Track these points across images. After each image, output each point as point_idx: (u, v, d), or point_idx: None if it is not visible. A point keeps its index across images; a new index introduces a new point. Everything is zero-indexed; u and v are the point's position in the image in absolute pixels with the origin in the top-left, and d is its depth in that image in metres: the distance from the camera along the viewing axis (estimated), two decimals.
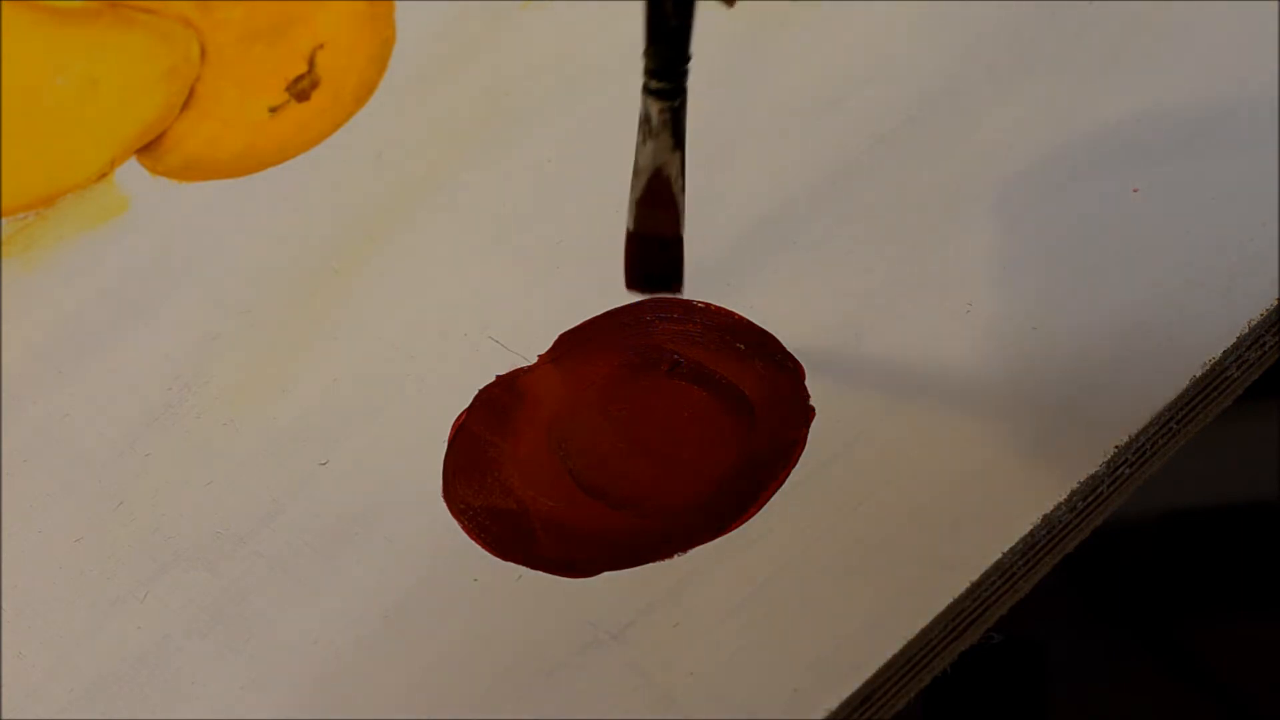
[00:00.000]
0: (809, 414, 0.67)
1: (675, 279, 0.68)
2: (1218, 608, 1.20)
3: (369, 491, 0.69)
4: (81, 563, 0.69)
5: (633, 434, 0.68)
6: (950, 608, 0.61)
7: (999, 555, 0.62)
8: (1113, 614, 1.20)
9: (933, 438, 0.65)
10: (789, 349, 0.69)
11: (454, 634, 0.64)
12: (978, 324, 0.68)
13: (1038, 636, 1.10)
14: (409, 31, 0.83)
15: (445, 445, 0.69)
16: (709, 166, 0.74)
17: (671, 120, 0.62)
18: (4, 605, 0.68)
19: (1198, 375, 0.65)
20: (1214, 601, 1.21)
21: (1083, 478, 0.63)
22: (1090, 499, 0.64)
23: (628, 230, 0.66)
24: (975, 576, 0.62)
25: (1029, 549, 0.63)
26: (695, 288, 0.71)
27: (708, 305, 0.70)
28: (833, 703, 0.60)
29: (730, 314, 0.70)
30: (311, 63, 0.82)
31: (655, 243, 0.67)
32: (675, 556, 0.64)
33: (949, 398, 0.66)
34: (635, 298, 0.69)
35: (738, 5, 0.60)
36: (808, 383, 0.68)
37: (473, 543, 0.66)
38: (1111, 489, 0.64)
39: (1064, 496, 0.63)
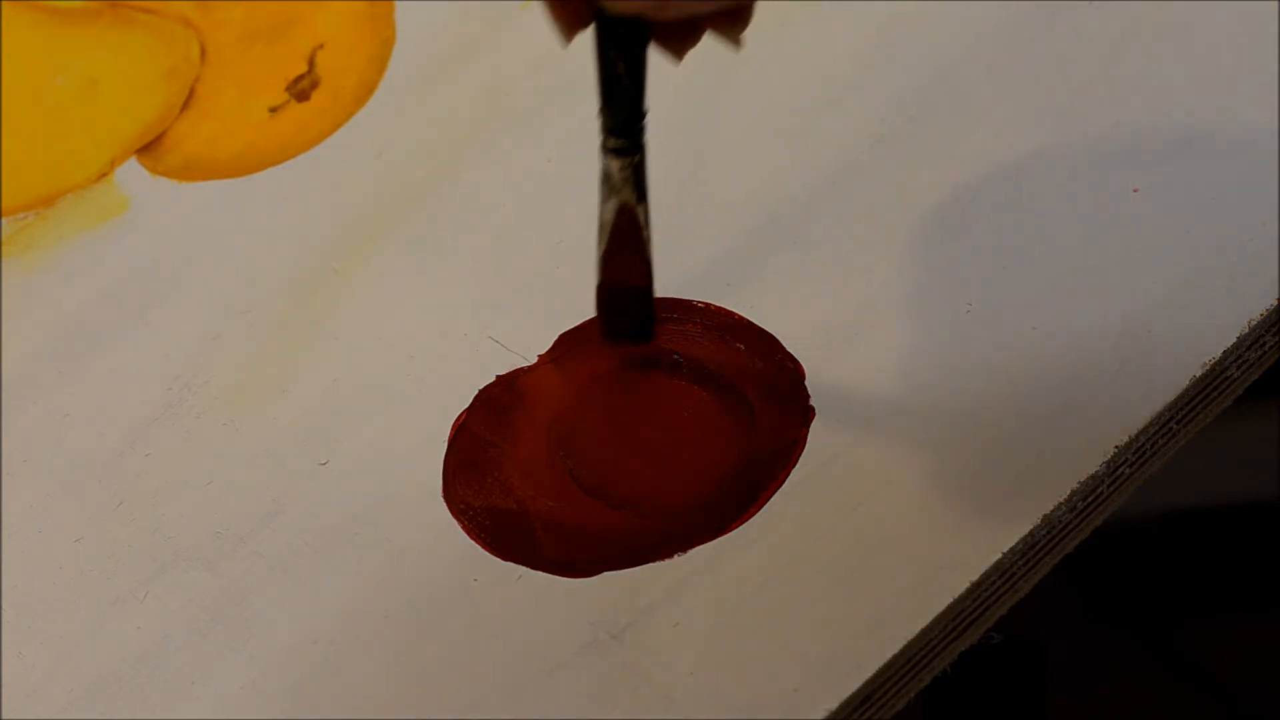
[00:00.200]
0: (809, 414, 0.67)
1: (646, 329, 0.67)
2: (1218, 608, 1.20)
3: (369, 491, 0.69)
4: (81, 563, 0.69)
5: (633, 434, 0.68)
6: (950, 608, 0.61)
7: (999, 555, 0.62)
8: (1113, 614, 1.20)
9: (933, 438, 0.65)
10: (789, 349, 0.69)
11: (454, 634, 0.64)
12: (978, 324, 0.68)
13: (1038, 636, 1.10)
14: (409, 31, 0.83)
15: (445, 445, 0.69)
16: (709, 167, 0.74)
17: (633, 175, 0.62)
18: (4, 605, 0.68)
19: (1198, 375, 0.65)
20: (1214, 601, 1.21)
21: (1083, 478, 0.63)
22: (1090, 499, 0.64)
23: (597, 283, 0.66)
24: (975, 576, 0.62)
25: (1029, 549, 0.63)
26: (695, 288, 0.71)
27: (708, 305, 0.70)
28: (833, 703, 0.60)
29: (730, 314, 0.70)
30: (311, 63, 0.82)
31: (625, 294, 0.66)
32: (675, 556, 0.64)
33: (949, 398, 0.66)
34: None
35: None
36: (808, 383, 0.68)
37: (473, 543, 0.66)
38: (1111, 489, 0.64)
39: (1064, 496, 0.63)
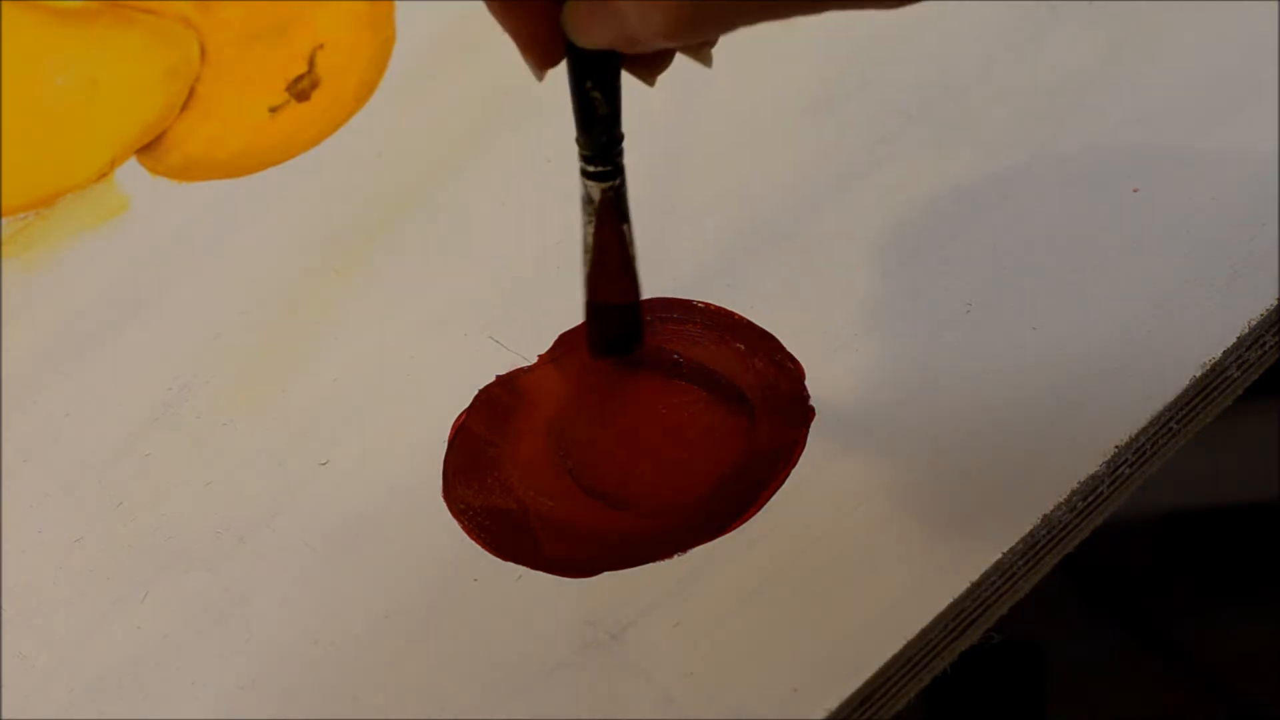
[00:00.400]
0: (809, 414, 0.67)
1: (632, 344, 0.68)
2: (1217, 607, 1.20)
3: (369, 491, 0.69)
4: (81, 563, 0.69)
5: (633, 434, 0.68)
6: (950, 608, 0.61)
7: (999, 555, 0.62)
8: (1113, 614, 1.20)
9: (933, 438, 0.65)
10: (789, 349, 0.69)
11: (454, 634, 0.64)
12: (978, 324, 0.68)
13: (1038, 636, 1.10)
14: (409, 31, 0.83)
15: (445, 445, 0.69)
16: (708, 167, 0.74)
17: (614, 198, 0.63)
18: (4, 605, 0.68)
19: (1198, 375, 0.65)
20: (1214, 601, 1.21)
21: (1083, 478, 0.63)
22: (1090, 499, 0.64)
23: (585, 301, 0.67)
24: (975, 576, 0.62)
25: (1029, 549, 0.63)
26: (696, 288, 0.71)
27: (708, 305, 0.70)
28: (833, 703, 0.60)
29: (730, 314, 0.70)
30: (311, 63, 0.82)
31: (614, 311, 0.68)
32: (675, 556, 0.64)
33: (949, 398, 0.66)
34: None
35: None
36: (808, 383, 0.68)
37: (473, 543, 0.66)
38: (1111, 489, 0.64)
39: (1064, 496, 0.63)
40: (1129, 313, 0.67)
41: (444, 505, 0.67)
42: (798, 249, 0.71)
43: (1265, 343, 0.66)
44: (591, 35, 0.58)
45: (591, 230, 0.65)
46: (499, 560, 0.66)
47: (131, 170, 0.81)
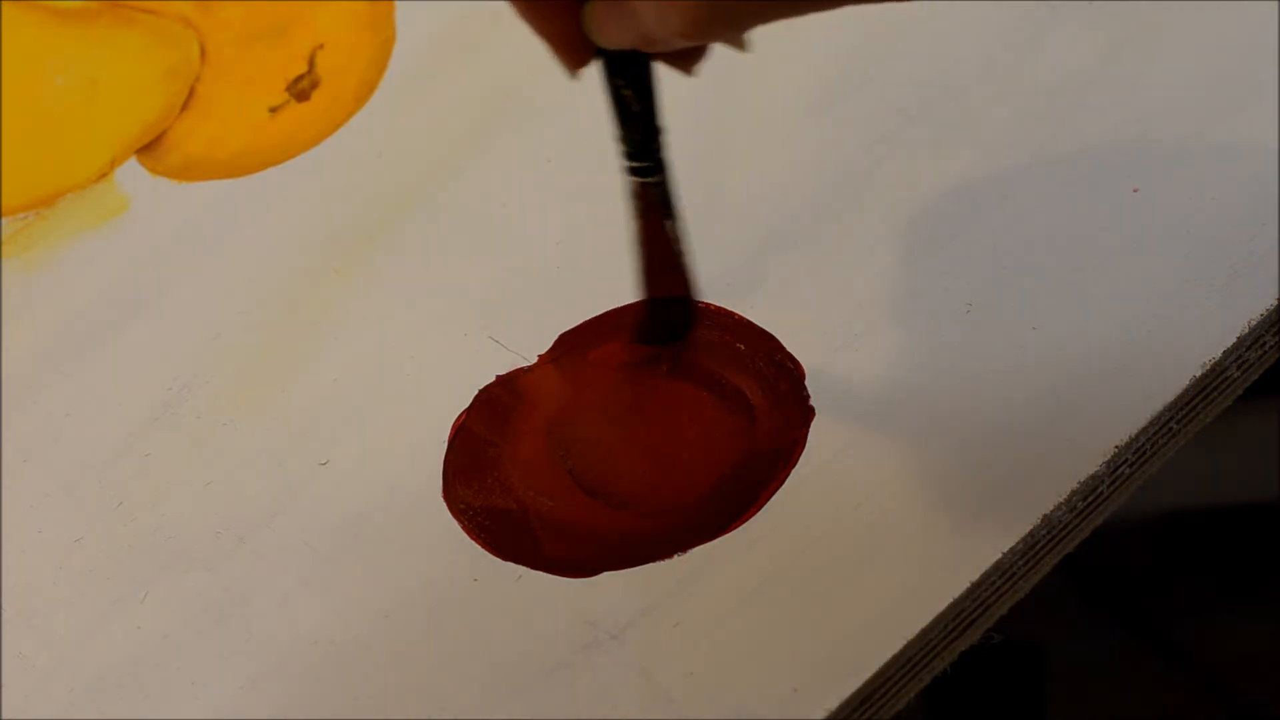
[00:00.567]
0: (809, 414, 0.67)
1: (684, 333, 0.69)
2: (1218, 608, 1.21)
3: (369, 491, 0.69)
4: (81, 563, 0.69)
5: (633, 434, 0.68)
6: (950, 608, 0.61)
7: (999, 555, 0.62)
8: (1113, 614, 1.20)
9: (932, 438, 0.65)
10: (789, 349, 0.69)
11: (454, 634, 0.64)
12: (978, 324, 0.68)
13: (1038, 636, 1.10)
14: (409, 31, 0.83)
15: (445, 445, 0.69)
16: (710, 167, 0.74)
17: (659, 194, 0.63)
18: (4, 605, 0.68)
19: (1198, 375, 0.65)
20: (1214, 601, 1.21)
21: (1083, 478, 0.63)
22: (1090, 499, 0.64)
23: (641, 297, 0.67)
24: (975, 576, 0.62)
25: (1029, 549, 0.63)
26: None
27: (709, 305, 0.70)
28: (833, 703, 0.60)
29: (730, 314, 0.70)
30: (311, 63, 0.82)
31: (668, 305, 0.68)
32: (675, 556, 0.64)
33: (949, 398, 0.66)
34: (634, 298, 0.69)
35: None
36: (808, 383, 0.68)
37: (473, 543, 0.66)
38: (1111, 489, 0.64)
39: (1064, 496, 0.63)
40: (1129, 313, 0.67)
41: (444, 505, 0.67)
42: (797, 249, 0.71)
43: (1265, 343, 0.66)
44: (610, 36, 0.58)
45: (639, 225, 0.64)
46: (499, 560, 0.66)
47: (131, 170, 0.81)
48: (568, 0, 0.58)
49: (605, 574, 0.65)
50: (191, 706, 0.65)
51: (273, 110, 0.82)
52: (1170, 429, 0.65)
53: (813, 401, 0.67)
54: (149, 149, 0.82)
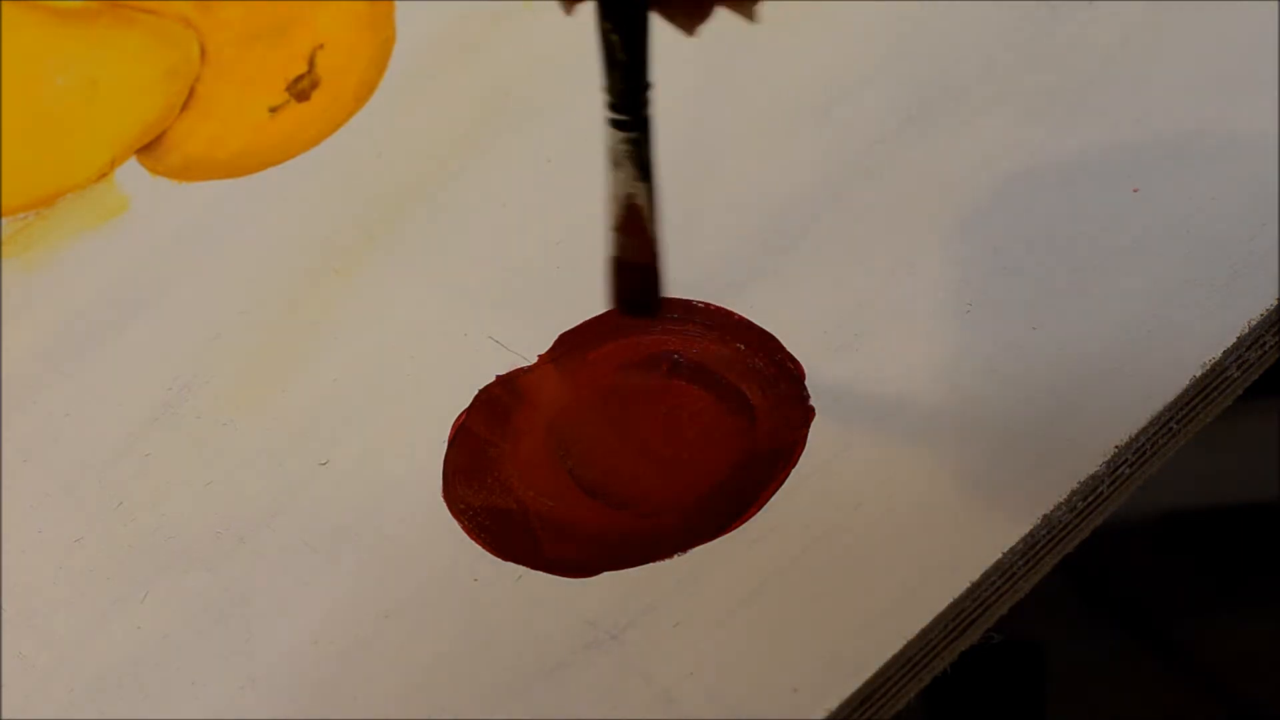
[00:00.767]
0: (809, 414, 0.67)
1: (654, 305, 0.67)
2: (1218, 608, 1.21)
3: (369, 491, 0.69)
4: (81, 563, 0.69)
5: (633, 434, 0.68)
6: (950, 608, 0.61)
7: (999, 555, 0.62)
8: (1113, 614, 1.20)
9: (932, 438, 0.65)
10: (789, 349, 0.69)
11: (454, 634, 0.64)
12: (978, 324, 0.68)
13: (1038, 636, 1.10)
14: (409, 31, 0.83)
15: (445, 445, 0.69)
16: (709, 167, 0.74)
17: (634, 151, 0.62)
18: (4, 605, 0.68)
19: (1198, 375, 0.65)
20: (1214, 601, 1.21)
21: (1083, 478, 0.63)
22: (1090, 499, 0.64)
23: (608, 255, 0.66)
24: (975, 576, 0.62)
25: (1029, 549, 0.63)
26: (696, 288, 0.71)
27: (708, 305, 0.70)
28: (833, 703, 0.60)
29: (730, 314, 0.70)
30: (311, 63, 0.82)
31: (632, 269, 0.66)
32: (675, 556, 0.64)
33: (949, 398, 0.66)
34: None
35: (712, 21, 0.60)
36: (808, 383, 0.68)
37: (473, 543, 0.66)
38: (1111, 489, 0.64)
39: (1064, 496, 0.63)
40: (1129, 313, 0.67)
41: (444, 505, 0.67)
42: (797, 249, 0.71)
43: (1265, 343, 0.66)
44: None
45: (613, 180, 0.63)
46: (499, 560, 0.66)
47: (131, 170, 0.81)
48: None
49: (605, 574, 0.64)
50: (191, 706, 0.65)
51: (273, 110, 0.82)
52: (1170, 429, 0.65)
53: (813, 401, 0.67)
54: (149, 149, 0.82)
